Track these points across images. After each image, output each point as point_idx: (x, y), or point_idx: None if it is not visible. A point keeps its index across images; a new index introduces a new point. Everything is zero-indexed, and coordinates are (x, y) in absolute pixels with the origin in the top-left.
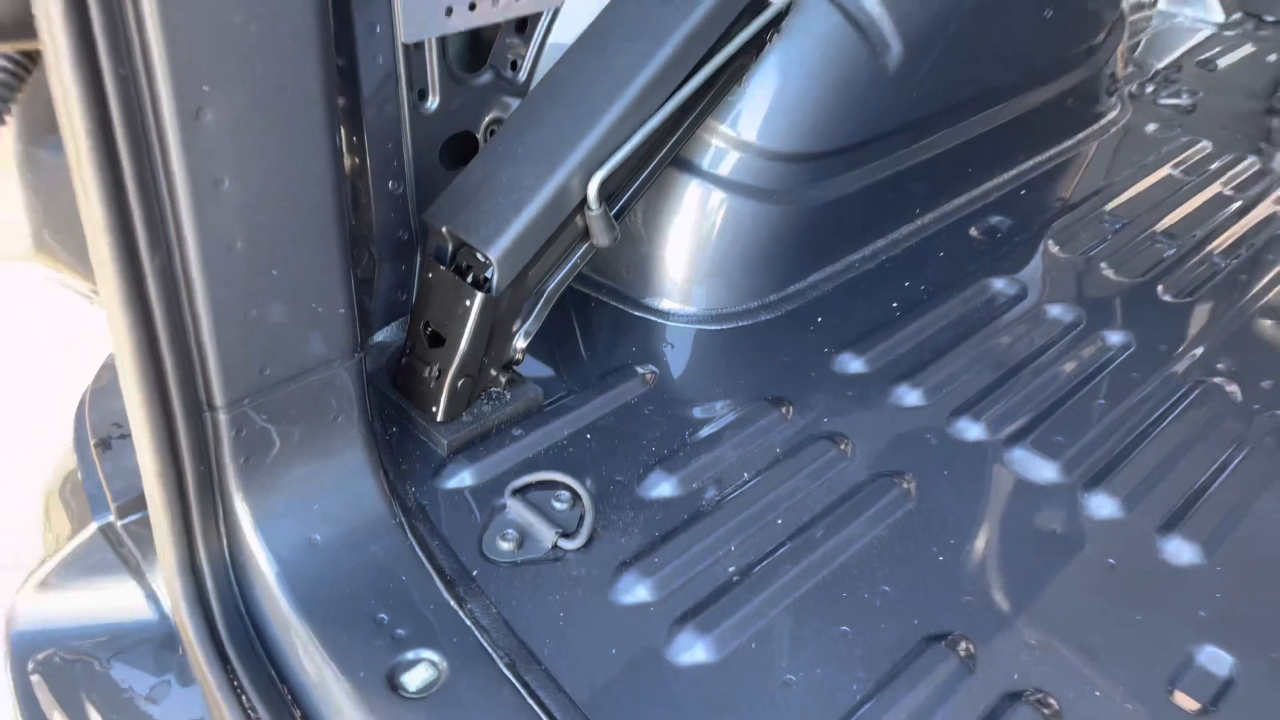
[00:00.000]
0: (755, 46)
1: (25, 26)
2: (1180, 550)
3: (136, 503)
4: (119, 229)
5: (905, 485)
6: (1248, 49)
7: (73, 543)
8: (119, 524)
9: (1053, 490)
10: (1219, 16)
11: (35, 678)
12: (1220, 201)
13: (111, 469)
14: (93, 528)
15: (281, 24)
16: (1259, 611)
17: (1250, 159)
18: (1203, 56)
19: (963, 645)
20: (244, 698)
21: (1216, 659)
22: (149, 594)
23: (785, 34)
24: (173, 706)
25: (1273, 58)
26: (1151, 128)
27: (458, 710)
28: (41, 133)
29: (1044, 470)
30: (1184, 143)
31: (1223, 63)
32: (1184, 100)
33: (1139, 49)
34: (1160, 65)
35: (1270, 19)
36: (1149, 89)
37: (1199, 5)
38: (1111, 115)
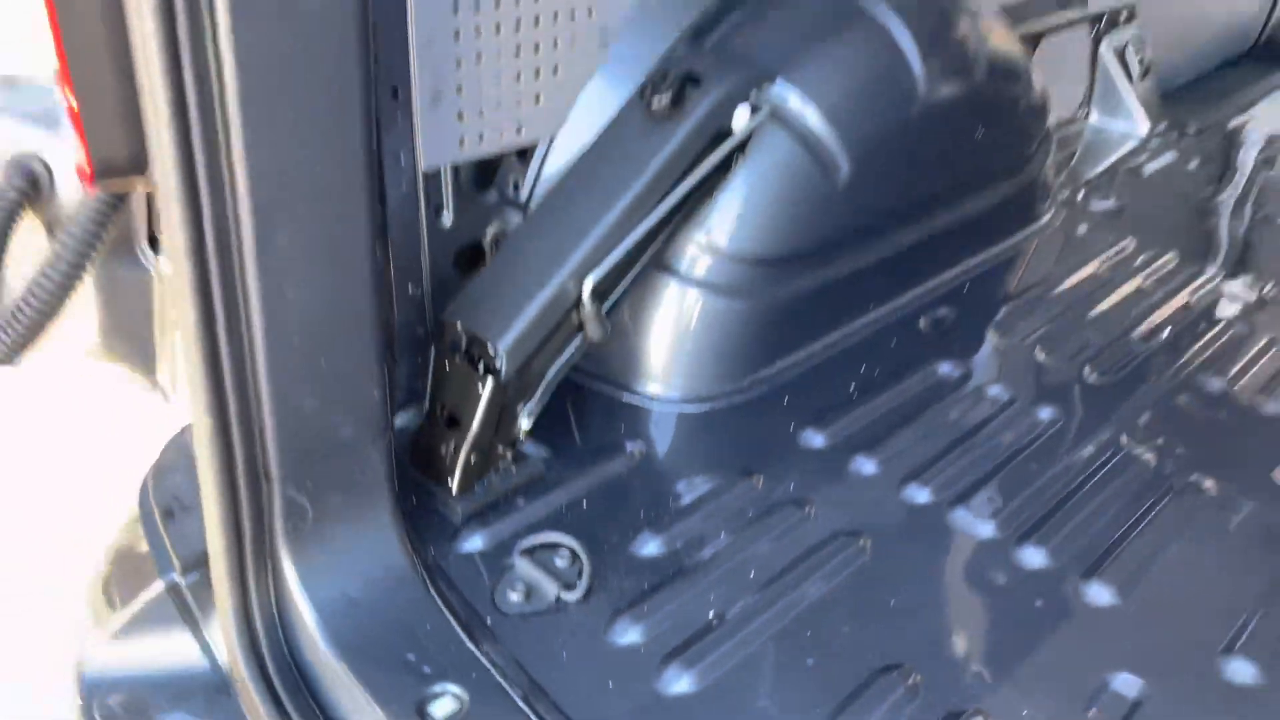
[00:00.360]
0: (723, 167)
1: (138, 164)
2: (1099, 593)
3: (197, 562)
4: (206, 330)
5: (861, 543)
6: (1170, 157)
7: (140, 598)
8: (183, 582)
9: (989, 545)
10: (1145, 129)
11: None
12: (1141, 294)
13: (175, 535)
14: (159, 585)
15: (338, 166)
16: (1166, 642)
17: (1169, 255)
18: (1131, 165)
19: (911, 676)
20: None
21: (1128, 683)
22: (204, 646)
23: (749, 156)
24: None
25: (1193, 165)
26: (1083, 229)
27: None
28: (120, 252)
29: (982, 528)
30: (1110, 241)
31: (1148, 169)
32: (1112, 204)
33: (1074, 159)
34: (1092, 174)
35: (1190, 130)
36: (1081, 194)
37: (1127, 119)
38: (1046, 219)
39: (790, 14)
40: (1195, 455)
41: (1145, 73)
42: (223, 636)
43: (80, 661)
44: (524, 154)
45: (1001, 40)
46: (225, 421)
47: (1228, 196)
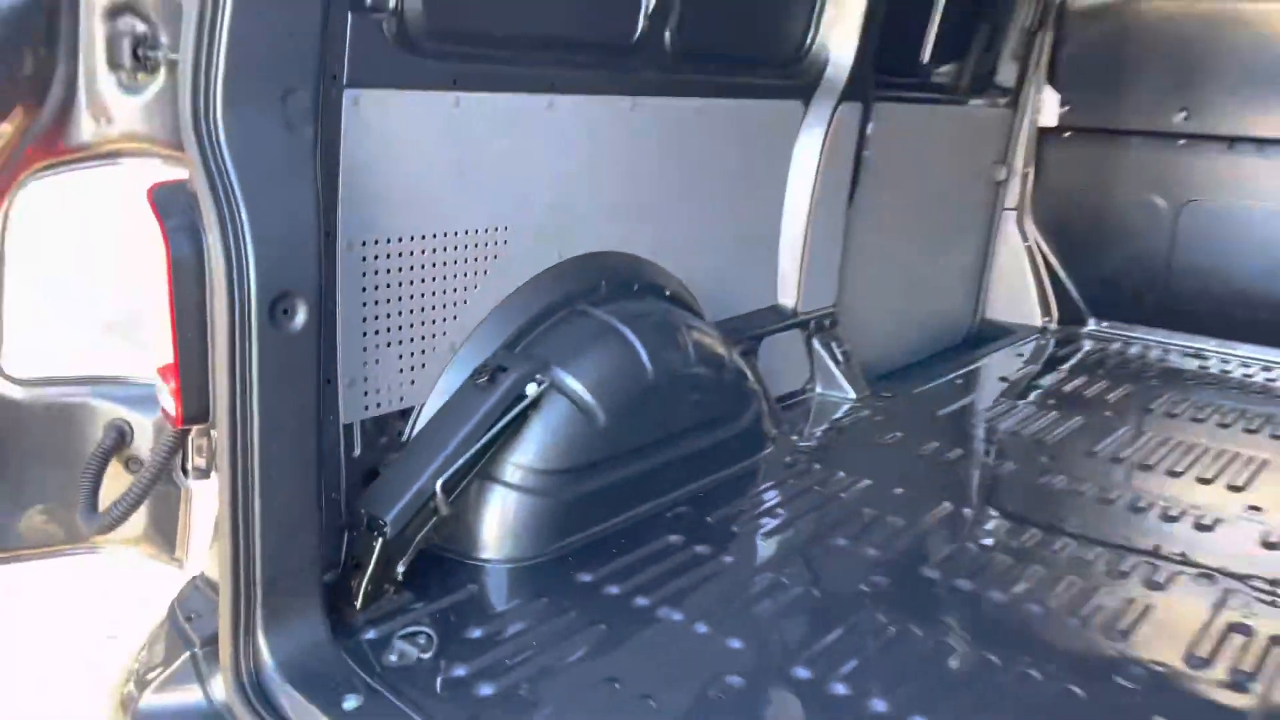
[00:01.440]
0: (523, 417)
1: (205, 416)
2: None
3: (205, 642)
4: (233, 517)
5: (602, 627)
6: (867, 413)
7: (173, 664)
8: (200, 653)
9: (701, 637)
10: (854, 395)
11: None
12: (827, 499)
13: (193, 628)
14: (185, 655)
15: (295, 430)
16: None
17: (866, 480)
18: (845, 424)
19: None
20: None
21: None
22: (208, 694)
23: (540, 410)
24: None
25: (881, 418)
26: (800, 460)
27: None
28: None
29: (699, 626)
30: (819, 469)
31: (852, 422)
32: (817, 442)
33: (809, 415)
34: (816, 427)
35: (887, 394)
36: (805, 439)
37: (841, 390)
38: (767, 452)
39: (567, 329)
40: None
41: (847, 357)
42: (222, 680)
43: (135, 708)
44: (404, 413)
45: (709, 340)
46: (235, 562)
47: (902, 434)
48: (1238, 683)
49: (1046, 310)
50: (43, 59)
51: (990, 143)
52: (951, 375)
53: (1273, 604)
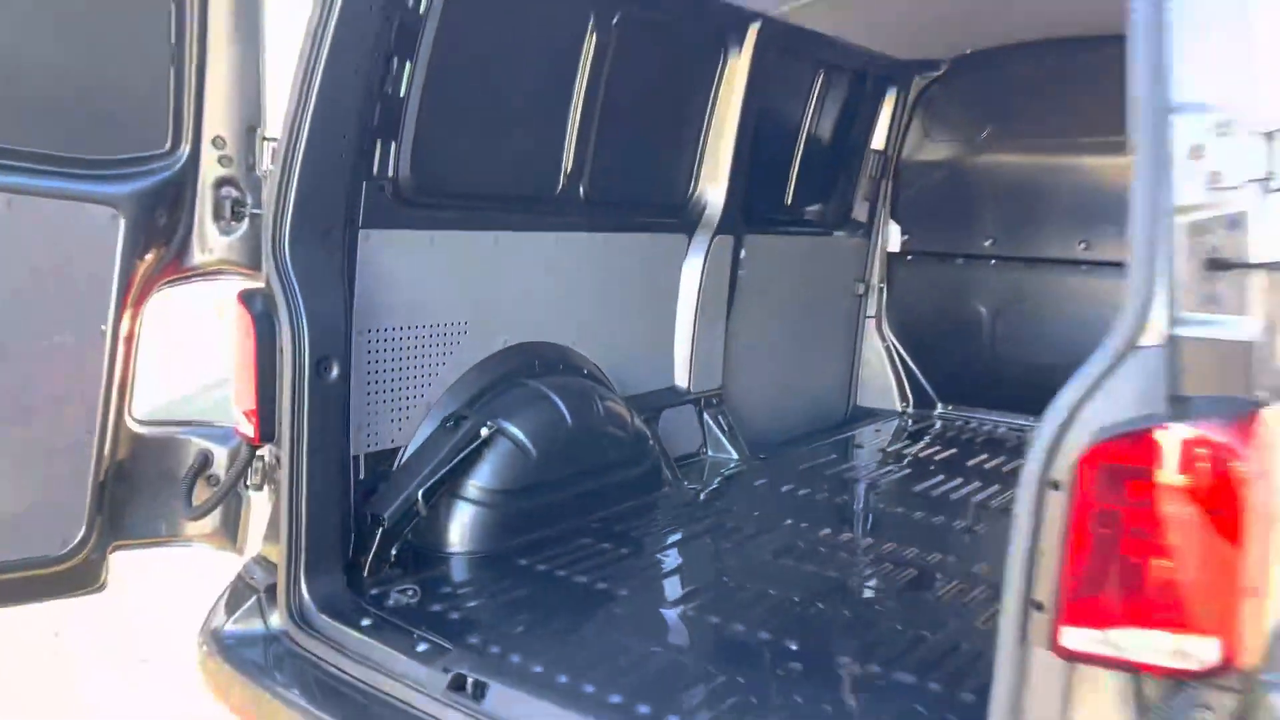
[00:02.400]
0: (479, 451)
1: (272, 437)
2: None
3: (267, 591)
4: (290, 511)
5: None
6: (745, 468)
7: (243, 605)
8: (263, 598)
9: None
10: (736, 457)
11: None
12: (712, 530)
13: (256, 583)
14: (253, 599)
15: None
16: None
17: (753, 513)
18: (726, 474)
19: None
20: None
21: None
22: (268, 625)
23: (492, 447)
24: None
25: (753, 470)
26: (677, 495)
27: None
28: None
29: (619, 589)
30: (689, 501)
31: (727, 475)
32: (706, 492)
33: (704, 470)
34: (704, 479)
35: (763, 456)
36: (685, 483)
37: (728, 453)
38: (663, 491)
39: (510, 393)
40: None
41: (731, 428)
42: (278, 613)
43: (217, 629)
44: (393, 451)
45: (616, 406)
46: (290, 540)
47: (768, 480)
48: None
49: (904, 397)
50: (173, 215)
51: (851, 264)
52: (818, 444)
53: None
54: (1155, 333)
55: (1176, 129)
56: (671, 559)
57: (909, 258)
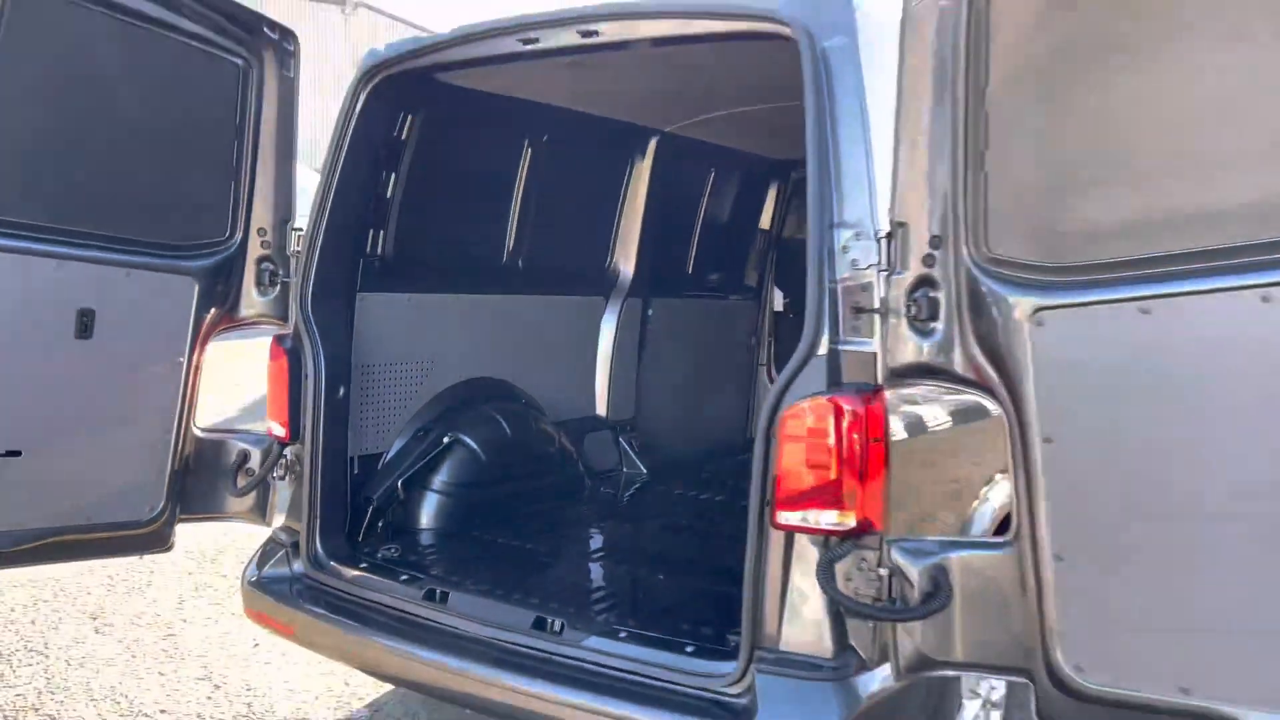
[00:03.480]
0: (441, 454)
1: (296, 437)
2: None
3: (293, 544)
4: (311, 492)
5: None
6: (651, 479)
7: (276, 554)
8: (289, 550)
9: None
10: (646, 472)
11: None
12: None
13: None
14: (282, 550)
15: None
16: None
17: (630, 498)
18: (635, 484)
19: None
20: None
21: None
22: (292, 568)
23: (451, 450)
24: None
25: (656, 479)
26: (594, 496)
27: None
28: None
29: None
30: (603, 499)
31: (636, 484)
32: (612, 490)
33: (617, 482)
34: (617, 486)
35: (667, 472)
36: (601, 488)
37: (640, 468)
38: (584, 493)
39: (466, 413)
40: None
41: (641, 449)
42: (300, 559)
43: (257, 575)
44: (377, 455)
45: (546, 427)
46: (309, 512)
47: (665, 486)
48: None
49: None
50: (229, 282)
51: (744, 322)
52: (715, 465)
53: None
54: (824, 348)
55: (835, 235)
56: (580, 531)
57: (790, 315)
